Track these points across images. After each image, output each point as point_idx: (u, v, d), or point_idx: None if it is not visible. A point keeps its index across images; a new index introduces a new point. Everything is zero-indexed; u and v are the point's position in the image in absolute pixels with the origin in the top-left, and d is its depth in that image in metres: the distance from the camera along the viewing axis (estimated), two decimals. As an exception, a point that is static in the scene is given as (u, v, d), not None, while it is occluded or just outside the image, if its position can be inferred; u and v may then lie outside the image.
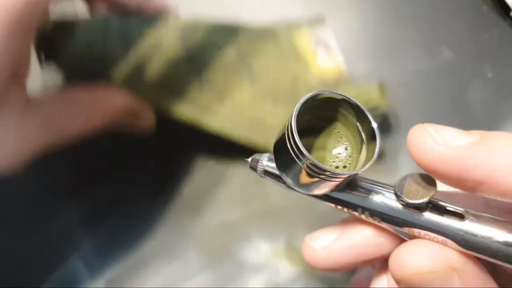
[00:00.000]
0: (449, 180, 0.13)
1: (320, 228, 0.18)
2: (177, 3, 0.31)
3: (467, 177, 0.13)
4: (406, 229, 0.14)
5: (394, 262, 0.14)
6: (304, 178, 0.15)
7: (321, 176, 0.14)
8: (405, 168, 0.28)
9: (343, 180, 0.14)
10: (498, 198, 0.13)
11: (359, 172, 0.14)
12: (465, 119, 0.29)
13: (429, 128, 0.13)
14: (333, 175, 0.14)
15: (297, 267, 0.28)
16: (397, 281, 0.14)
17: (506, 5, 0.30)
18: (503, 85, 0.30)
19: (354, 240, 0.16)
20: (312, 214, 0.28)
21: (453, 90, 0.30)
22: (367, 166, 0.14)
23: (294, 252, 0.28)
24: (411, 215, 0.14)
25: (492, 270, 0.14)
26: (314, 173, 0.14)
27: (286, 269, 0.28)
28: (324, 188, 0.15)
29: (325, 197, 0.16)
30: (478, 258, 0.14)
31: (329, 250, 0.16)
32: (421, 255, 0.14)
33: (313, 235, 0.17)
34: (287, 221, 0.25)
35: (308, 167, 0.14)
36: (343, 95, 0.15)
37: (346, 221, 0.17)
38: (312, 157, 0.14)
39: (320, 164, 0.14)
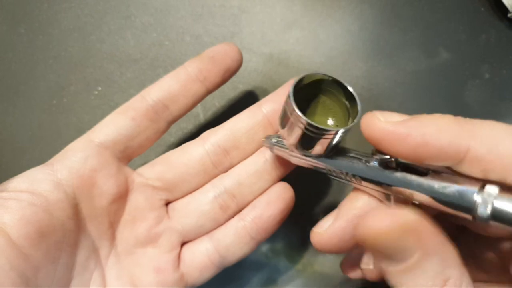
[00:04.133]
0: (391, 148, 0.16)
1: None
2: (177, 4, 0.32)
3: (404, 144, 0.15)
4: (383, 188, 0.17)
5: (357, 227, 0.16)
6: (304, 139, 0.19)
7: (317, 134, 0.18)
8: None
9: (333, 136, 0.18)
10: (435, 163, 0.16)
11: (347, 129, 0.18)
12: (463, 119, 0.30)
13: (376, 113, 0.17)
14: (326, 131, 0.18)
15: (296, 266, 0.28)
16: (361, 242, 0.16)
17: (503, 6, 0.30)
18: (501, 86, 0.30)
19: (350, 215, 0.19)
20: (310, 213, 0.28)
21: (450, 91, 0.30)
22: (354, 122, 0.18)
23: (293, 250, 0.28)
24: (384, 174, 0.17)
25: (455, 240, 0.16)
26: (310, 132, 0.18)
27: (285, 268, 0.28)
28: (319, 148, 0.19)
29: (319, 165, 0.19)
30: (438, 224, 0.15)
31: (331, 230, 0.19)
32: (377, 217, 0.15)
33: (317, 224, 0.20)
34: (286, 220, 0.25)
35: (306, 128, 0.18)
36: (328, 75, 0.19)
37: (340, 205, 0.20)
38: (307, 119, 0.17)
39: (315, 123, 0.17)
